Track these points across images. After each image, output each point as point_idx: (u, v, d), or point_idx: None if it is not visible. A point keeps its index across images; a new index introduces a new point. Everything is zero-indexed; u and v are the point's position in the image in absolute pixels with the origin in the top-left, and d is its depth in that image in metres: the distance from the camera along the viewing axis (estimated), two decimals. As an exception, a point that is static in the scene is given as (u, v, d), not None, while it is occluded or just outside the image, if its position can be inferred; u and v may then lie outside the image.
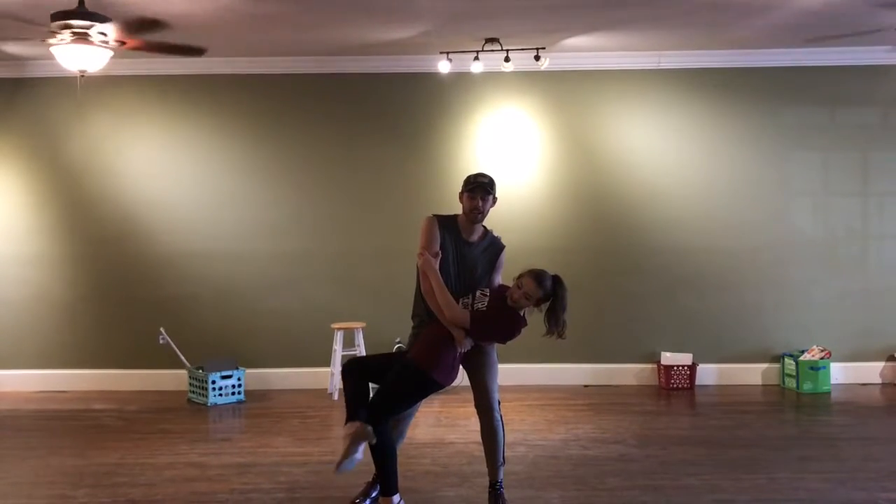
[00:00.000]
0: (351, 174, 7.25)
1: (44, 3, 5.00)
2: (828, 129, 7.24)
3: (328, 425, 6.06)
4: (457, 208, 4.26)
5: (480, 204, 4.14)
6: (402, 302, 4.42)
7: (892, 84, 7.18)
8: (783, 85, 7.18)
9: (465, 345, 4.01)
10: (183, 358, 6.97)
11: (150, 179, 7.24)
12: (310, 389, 7.08)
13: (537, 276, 3.98)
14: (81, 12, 4.80)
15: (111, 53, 5.10)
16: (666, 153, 7.23)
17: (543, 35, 6.40)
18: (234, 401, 6.75)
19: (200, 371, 6.74)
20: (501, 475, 4.20)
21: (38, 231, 7.25)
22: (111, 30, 4.84)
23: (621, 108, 7.23)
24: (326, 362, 7.02)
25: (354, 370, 4.06)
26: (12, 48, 6.64)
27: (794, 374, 6.96)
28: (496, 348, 4.24)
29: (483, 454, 4.21)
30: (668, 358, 7.13)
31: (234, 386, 6.78)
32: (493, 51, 6.58)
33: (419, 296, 4.19)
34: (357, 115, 7.24)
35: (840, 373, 7.10)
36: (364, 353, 6.69)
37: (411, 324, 4.28)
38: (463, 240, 4.20)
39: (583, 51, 6.97)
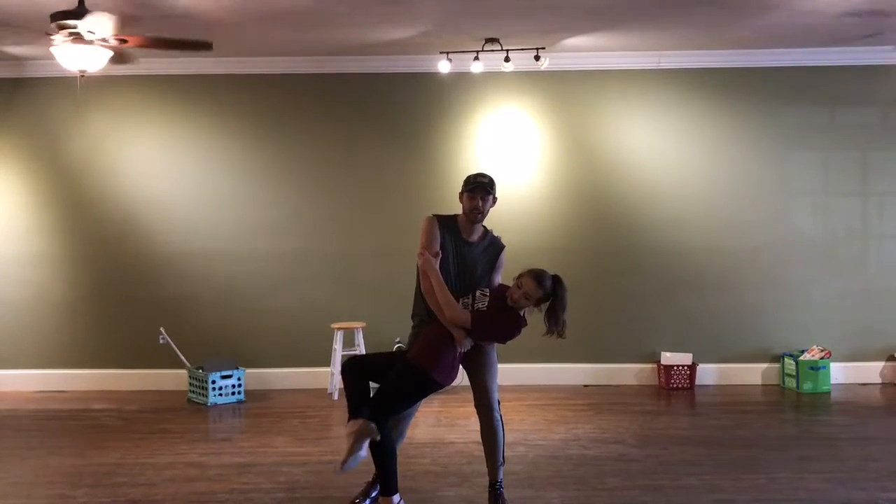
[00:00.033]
0: (351, 174, 7.25)
1: (44, 3, 5.00)
2: (828, 129, 7.24)
3: (328, 425, 6.06)
4: (457, 208, 4.26)
5: (480, 204, 4.13)
6: (402, 302, 4.42)
7: (892, 84, 7.19)
8: (783, 85, 7.19)
9: (465, 345, 4.00)
10: (183, 358, 6.97)
11: (150, 179, 7.25)
12: (310, 389, 7.08)
13: (537, 275, 3.98)
14: (81, 12, 4.79)
15: (111, 53, 5.09)
16: (666, 153, 7.23)
17: (543, 35, 6.40)
18: (234, 401, 6.75)
19: (200, 371, 6.74)
20: (501, 475, 4.20)
21: (38, 231, 7.25)
22: (109, 27, 4.81)
23: (621, 108, 7.23)
24: (326, 362, 7.02)
25: (354, 369, 4.05)
26: (12, 48, 6.64)
27: (794, 373, 6.96)
28: (496, 348, 4.24)
29: (483, 454, 4.21)
30: (668, 358, 7.13)
31: (234, 386, 6.78)
32: (493, 51, 6.58)
33: (419, 295, 4.19)
34: (357, 115, 7.24)
35: (840, 373, 7.10)
36: (363, 353, 6.69)
37: (411, 324, 4.28)
38: (463, 240, 4.20)
39: (583, 51, 6.98)
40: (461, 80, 7.05)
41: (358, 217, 7.24)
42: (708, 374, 7.23)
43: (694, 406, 6.60)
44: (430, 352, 3.98)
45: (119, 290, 7.24)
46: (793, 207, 7.31)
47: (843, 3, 5.63)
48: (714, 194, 7.22)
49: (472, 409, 4.21)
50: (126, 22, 4.88)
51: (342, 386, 4.12)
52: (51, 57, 5.23)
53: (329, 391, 6.94)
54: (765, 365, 7.26)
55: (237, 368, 6.82)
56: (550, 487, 4.54)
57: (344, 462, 3.81)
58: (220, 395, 6.70)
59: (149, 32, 5.29)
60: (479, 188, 4.14)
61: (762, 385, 7.20)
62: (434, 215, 4.23)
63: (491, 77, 7.01)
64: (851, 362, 7.19)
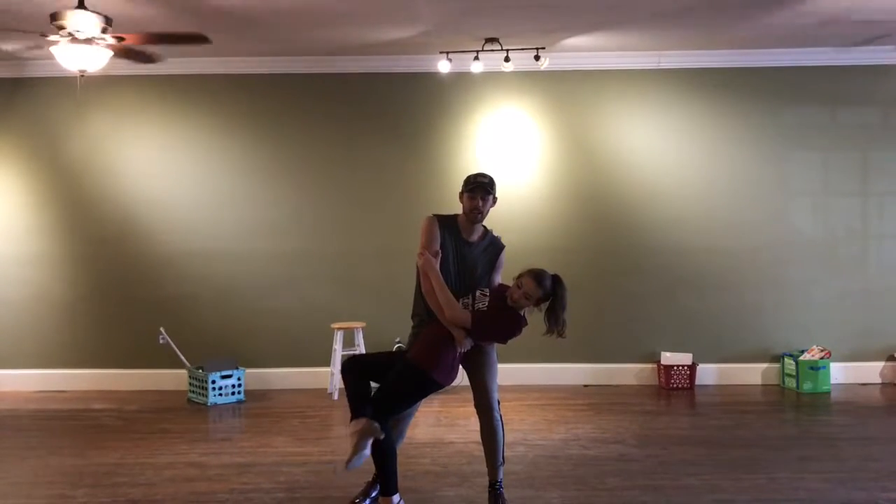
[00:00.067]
0: (351, 174, 7.25)
1: (44, 3, 5.00)
2: (828, 128, 7.24)
3: (328, 425, 6.06)
4: (457, 208, 4.26)
5: (480, 204, 4.14)
6: (402, 302, 4.42)
7: (892, 84, 7.19)
8: (783, 85, 7.19)
9: (466, 345, 4.00)
10: (183, 358, 6.97)
11: (149, 179, 7.25)
12: (310, 389, 7.08)
13: (537, 275, 3.98)
14: (78, 12, 4.79)
15: (111, 53, 5.09)
16: (666, 153, 7.23)
17: (543, 35, 6.40)
18: (234, 401, 6.75)
19: (200, 371, 6.74)
20: (501, 475, 4.20)
21: (38, 231, 7.25)
22: (97, 25, 4.80)
23: (621, 108, 7.23)
24: (326, 362, 7.02)
25: (354, 369, 4.05)
26: (12, 48, 6.64)
27: (794, 373, 6.96)
28: (496, 348, 4.24)
29: (483, 454, 4.21)
30: (668, 358, 7.13)
31: (234, 386, 6.78)
32: (493, 51, 6.58)
33: (419, 295, 4.19)
34: (357, 115, 7.24)
35: (840, 373, 7.10)
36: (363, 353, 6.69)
37: (411, 323, 4.28)
38: (463, 240, 4.20)
39: (583, 51, 6.98)
40: (461, 80, 7.05)
41: (358, 217, 7.24)
42: (708, 374, 7.23)
43: (694, 406, 6.60)
44: (430, 352, 3.98)
45: (119, 290, 7.24)
46: (793, 207, 7.31)
47: (849, 12, 5.63)
48: (714, 194, 7.22)
49: (472, 409, 4.21)
50: (130, 20, 4.87)
51: (342, 386, 4.11)
52: (51, 57, 5.23)
53: (329, 391, 6.94)
54: (765, 365, 7.26)
55: (237, 368, 6.82)
56: (550, 487, 4.54)
57: (349, 461, 3.81)
58: (220, 395, 6.70)
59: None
60: (480, 188, 4.14)
61: (762, 385, 7.20)
62: (434, 215, 4.23)
63: (491, 77, 7.01)
64: (851, 362, 7.19)
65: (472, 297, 4.06)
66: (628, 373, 7.29)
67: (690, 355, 7.12)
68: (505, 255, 4.29)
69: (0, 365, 7.22)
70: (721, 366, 7.24)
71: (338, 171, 7.25)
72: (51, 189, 7.25)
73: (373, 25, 6.12)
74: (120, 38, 4.98)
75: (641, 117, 7.23)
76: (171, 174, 7.25)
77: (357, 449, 3.80)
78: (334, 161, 7.25)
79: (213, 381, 6.67)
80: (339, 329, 6.84)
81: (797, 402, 6.67)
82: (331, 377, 6.91)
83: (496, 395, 4.16)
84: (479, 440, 4.20)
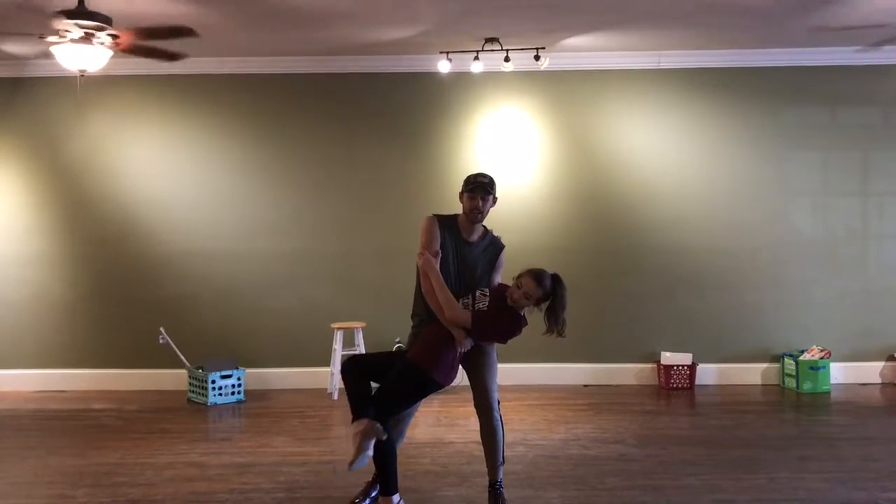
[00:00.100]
0: (351, 174, 7.25)
1: (44, 3, 5.00)
2: (828, 128, 7.24)
3: (328, 425, 6.06)
4: (457, 208, 4.26)
5: (480, 204, 4.13)
6: (402, 302, 4.42)
7: (892, 84, 7.19)
8: (783, 85, 7.19)
9: (466, 345, 4.00)
10: (183, 358, 6.97)
11: (150, 179, 7.25)
12: (309, 389, 7.08)
13: (536, 275, 3.98)
14: (81, 12, 4.80)
15: (111, 53, 5.09)
16: (666, 153, 7.23)
17: (543, 35, 6.40)
18: (234, 400, 6.75)
19: (200, 371, 6.74)
20: (501, 475, 4.20)
21: (38, 231, 7.25)
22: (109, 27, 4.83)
23: (621, 108, 7.24)
24: (326, 362, 7.02)
25: (354, 369, 4.05)
26: (12, 48, 6.64)
27: (794, 373, 6.96)
28: (496, 348, 4.24)
29: (483, 454, 4.21)
30: (668, 358, 7.13)
31: (233, 386, 6.78)
32: (493, 51, 6.58)
33: (419, 295, 4.19)
34: (357, 114, 7.25)
35: (840, 373, 7.10)
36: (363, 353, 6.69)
37: (411, 323, 4.28)
38: (463, 239, 4.20)
39: (583, 51, 6.98)
40: (461, 79, 7.05)
41: (358, 217, 7.24)
42: (708, 374, 7.23)
43: (694, 406, 6.60)
44: (430, 352, 3.98)
45: (119, 290, 7.25)
46: (793, 207, 7.31)
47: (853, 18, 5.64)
48: (714, 194, 7.23)
49: (471, 409, 4.21)
50: (131, 18, 4.88)
51: (342, 386, 4.11)
52: (51, 57, 5.24)
53: (329, 391, 6.94)
54: (765, 365, 7.26)
55: (237, 368, 6.82)
56: (550, 487, 4.53)
57: (352, 462, 3.82)
58: (220, 394, 6.70)
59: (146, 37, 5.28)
60: (480, 188, 4.14)
61: (762, 385, 7.20)
62: (434, 215, 4.23)
63: (491, 77, 7.01)
64: (851, 362, 7.19)
65: (472, 297, 4.06)
66: (628, 373, 7.29)
67: (690, 355, 7.12)
68: (505, 255, 4.29)
69: (0, 365, 7.22)
70: (721, 366, 7.25)
71: (338, 171, 7.25)
72: (51, 189, 7.25)
73: (373, 25, 6.12)
74: (115, 37, 4.98)
75: (641, 117, 7.23)
76: (171, 174, 7.25)
77: (360, 450, 3.80)
78: (334, 161, 7.25)
79: (213, 381, 6.67)
80: (338, 329, 6.84)
81: (797, 402, 6.67)
82: (331, 377, 6.91)
83: (496, 395, 4.16)
84: (479, 440, 4.20)
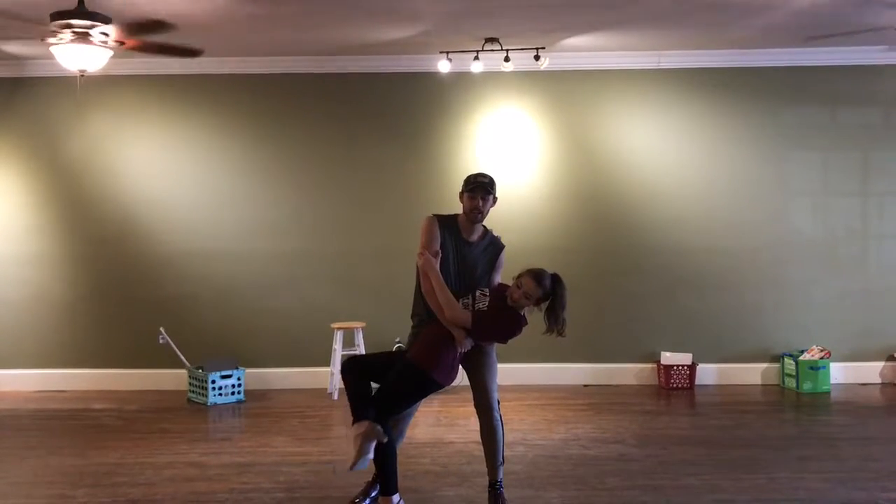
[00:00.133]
0: (351, 174, 7.25)
1: (44, 3, 5.00)
2: (828, 128, 7.24)
3: (328, 425, 6.06)
4: (457, 208, 4.26)
5: (480, 204, 4.13)
6: (402, 302, 4.42)
7: (892, 84, 7.19)
8: (783, 85, 7.19)
9: (466, 345, 4.00)
10: (183, 358, 6.97)
11: (150, 179, 7.25)
12: (309, 389, 7.08)
13: (536, 275, 3.98)
14: (81, 12, 4.80)
15: (111, 53, 5.09)
16: (666, 153, 7.23)
17: (543, 35, 6.40)
18: (234, 400, 6.75)
19: (200, 371, 6.74)
20: (501, 475, 4.20)
21: (37, 231, 7.25)
22: (111, 29, 4.83)
23: (621, 108, 7.23)
24: (326, 362, 7.02)
25: (354, 369, 4.05)
26: (12, 48, 6.64)
27: (794, 373, 6.96)
28: (496, 348, 4.24)
29: (482, 454, 4.21)
30: (668, 358, 7.13)
31: (233, 386, 6.78)
32: (492, 50, 6.58)
33: (419, 295, 4.19)
34: (357, 114, 7.24)
35: (840, 373, 7.10)
36: (363, 353, 6.68)
37: (411, 323, 4.28)
38: (463, 239, 4.20)
39: (583, 51, 6.98)
40: (461, 79, 7.05)
41: (358, 217, 7.24)
42: (708, 374, 7.22)
43: (694, 406, 6.60)
44: (430, 352, 3.98)
45: (119, 290, 7.24)
46: (792, 207, 7.31)
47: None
48: (714, 194, 7.22)
49: (471, 409, 4.21)
50: (131, 27, 4.88)
51: (342, 386, 4.11)
52: (51, 57, 5.24)
53: (329, 391, 6.94)
54: (765, 365, 7.26)
55: (237, 368, 6.82)
56: (550, 487, 4.53)
57: (353, 464, 3.82)
58: (220, 394, 6.70)
59: (148, 31, 5.28)
60: (480, 188, 4.14)
61: (762, 385, 7.20)
62: (434, 215, 4.23)
63: (491, 77, 7.01)
64: (851, 362, 7.19)
65: (472, 297, 4.06)
66: (628, 373, 7.28)
67: (690, 355, 7.12)
68: (505, 255, 4.29)
69: (0, 365, 7.22)
70: (721, 366, 7.24)
71: (338, 171, 7.25)
72: (51, 189, 7.25)
73: (373, 25, 6.12)
74: (120, 43, 4.98)
75: (641, 117, 7.23)
76: (171, 174, 7.25)
77: (361, 452, 3.80)
78: (334, 161, 7.25)
79: (213, 381, 6.67)
80: (338, 329, 6.84)
81: (797, 402, 6.67)
82: (331, 377, 6.91)
83: (496, 395, 4.16)
84: (479, 440, 4.20)
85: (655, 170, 7.22)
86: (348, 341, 6.89)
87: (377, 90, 7.23)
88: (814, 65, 7.12)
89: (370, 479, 4.28)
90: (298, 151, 7.26)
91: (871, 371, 7.24)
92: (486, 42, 6.52)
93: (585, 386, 7.19)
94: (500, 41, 6.49)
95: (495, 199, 4.22)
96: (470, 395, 4.18)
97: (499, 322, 4.02)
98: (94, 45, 4.93)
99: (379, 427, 3.83)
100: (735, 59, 7.11)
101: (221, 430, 6.04)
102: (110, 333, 7.24)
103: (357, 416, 3.89)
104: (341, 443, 5.31)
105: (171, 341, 7.02)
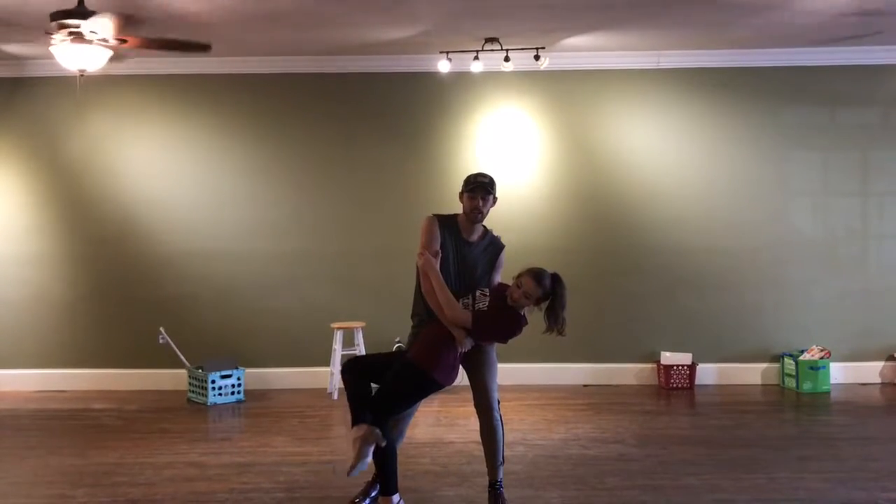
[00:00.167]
0: (351, 174, 7.25)
1: (44, 3, 5.00)
2: (828, 128, 7.24)
3: (328, 425, 6.06)
4: (457, 208, 4.26)
5: (481, 204, 4.13)
6: (402, 302, 4.42)
7: (892, 84, 7.19)
8: (783, 85, 7.19)
9: (466, 344, 4.00)
10: (183, 357, 6.97)
11: (150, 179, 7.24)
12: (309, 389, 7.08)
13: (536, 274, 3.98)
14: (81, 12, 4.79)
15: (111, 53, 5.08)
16: (666, 153, 7.23)
17: (543, 35, 6.40)
18: (234, 400, 6.75)
19: (200, 371, 6.74)
20: (501, 475, 4.20)
21: (37, 231, 7.25)
22: (109, 27, 4.81)
23: (621, 108, 7.23)
24: (326, 362, 7.02)
25: (354, 370, 4.05)
26: (12, 47, 6.64)
27: (794, 373, 6.96)
28: (496, 348, 4.24)
29: (482, 454, 4.21)
30: (667, 358, 7.13)
31: (233, 385, 6.78)
32: (492, 50, 6.58)
33: (419, 295, 4.19)
34: (357, 114, 7.24)
35: (840, 372, 7.10)
36: (363, 353, 6.69)
37: (411, 323, 4.28)
38: (463, 239, 4.20)
39: (583, 51, 6.98)
40: (461, 79, 7.05)
41: (358, 217, 7.24)
42: (708, 373, 7.22)
43: (694, 406, 6.60)
44: (431, 352, 3.98)
45: (119, 290, 7.24)
46: (792, 207, 7.31)
47: (841, 3, 5.63)
48: (714, 194, 7.22)
49: (471, 409, 4.21)
50: (127, 22, 4.87)
51: (342, 386, 4.12)
52: (51, 56, 5.23)
53: (329, 391, 6.94)
54: (765, 365, 7.26)
55: (237, 368, 6.82)
56: (550, 487, 4.53)
57: (352, 468, 3.82)
58: (220, 394, 6.70)
59: (149, 32, 5.28)
60: (480, 188, 4.14)
61: (762, 385, 7.20)
62: (434, 215, 4.23)
63: (491, 77, 7.01)
64: (851, 362, 7.19)
65: (473, 296, 4.06)
66: (628, 373, 7.28)
67: (690, 355, 7.12)
68: (505, 255, 4.29)
69: (0, 365, 7.22)
70: (721, 366, 7.24)
71: (338, 171, 7.25)
72: (51, 189, 7.25)
73: (373, 25, 6.12)
74: (122, 41, 4.97)
75: (641, 117, 7.23)
76: (171, 174, 7.25)
77: (359, 456, 3.80)
78: (334, 161, 7.25)
79: (213, 381, 6.67)
80: (338, 329, 6.84)
81: (797, 402, 6.67)
82: (330, 377, 6.91)
83: (496, 395, 4.16)
84: (479, 440, 4.20)
85: (655, 170, 7.22)
86: (348, 341, 6.90)
87: (377, 90, 7.23)
88: (814, 65, 7.12)
89: (370, 478, 4.28)
90: (298, 151, 7.26)
91: (871, 371, 7.24)
92: (486, 42, 6.52)
93: (585, 386, 7.19)
94: (500, 41, 6.49)
95: (495, 199, 4.22)
96: (470, 395, 4.18)
97: (499, 322, 4.02)
98: (95, 44, 4.92)
99: (378, 431, 3.83)
100: (735, 59, 7.11)
101: (221, 430, 6.04)
102: (110, 333, 7.24)
103: (356, 419, 3.89)
104: (341, 443, 5.31)
105: (171, 341, 7.02)
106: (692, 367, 7.08)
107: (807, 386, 6.88)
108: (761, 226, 7.21)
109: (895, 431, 5.76)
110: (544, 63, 6.63)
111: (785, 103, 7.22)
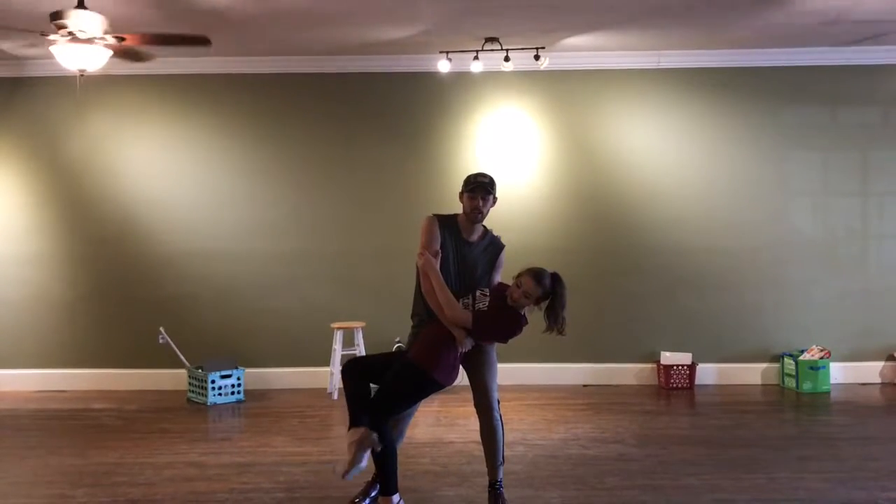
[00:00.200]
0: (350, 174, 7.25)
1: (44, 3, 5.00)
2: (828, 128, 7.24)
3: (328, 425, 6.06)
4: (457, 208, 4.26)
5: (481, 204, 4.13)
6: (402, 302, 4.42)
7: (892, 84, 7.19)
8: (783, 85, 7.19)
9: (466, 344, 4.00)
10: (182, 357, 6.97)
11: (150, 179, 7.25)
12: (309, 389, 7.08)
13: (536, 274, 3.98)
14: (80, 11, 4.79)
15: (111, 53, 5.08)
16: (666, 153, 7.23)
17: (543, 35, 6.40)
18: (234, 400, 6.75)
19: (200, 371, 6.74)
20: (501, 475, 4.20)
21: (37, 231, 7.25)
22: (98, 24, 4.80)
23: (621, 108, 7.23)
24: (326, 362, 7.02)
25: (354, 370, 4.05)
26: (11, 47, 6.64)
27: (794, 373, 6.96)
28: (496, 348, 4.24)
29: (482, 454, 4.21)
30: (667, 358, 7.12)
31: (233, 385, 6.78)
32: (492, 50, 6.58)
33: (419, 295, 4.19)
34: (357, 114, 7.25)
35: (840, 372, 7.10)
36: (364, 353, 6.69)
37: (411, 323, 4.28)
38: (463, 239, 4.20)
39: (583, 50, 6.98)
40: (461, 79, 7.05)
41: (358, 217, 7.24)
42: (708, 373, 7.22)
43: (694, 406, 6.60)
44: (431, 352, 3.98)
45: (119, 290, 7.24)
46: (792, 207, 7.31)
47: (841, 10, 5.63)
48: (714, 194, 7.22)
49: (471, 409, 4.21)
50: (129, 22, 4.87)
51: (342, 386, 4.12)
52: (51, 56, 5.23)
53: (329, 391, 6.94)
54: (764, 365, 7.26)
55: (237, 368, 6.82)
56: (550, 487, 4.53)
57: (347, 472, 3.82)
58: (220, 394, 6.70)
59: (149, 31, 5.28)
60: (480, 188, 4.14)
61: (762, 385, 7.20)
62: (434, 215, 4.23)
63: (491, 77, 7.01)
64: (851, 362, 7.19)
65: (473, 296, 4.06)
66: (628, 373, 7.28)
67: (690, 355, 7.12)
68: (505, 255, 4.29)
69: (0, 365, 7.22)
70: (721, 366, 7.24)
71: (337, 171, 7.25)
72: (51, 189, 7.25)
73: (373, 25, 6.12)
74: (121, 39, 4.97)
75: (641, 117, 7.23)
76: (171, 174, 7.25)
77: (354, 461, 3.80)
78: (334, 161, 7.25)
79: (213, 381, 6.67)
80: (338, 329, 6.84)
81: (797, 402, 6.67)
82: (330, 377, 6.91)
83: (496, 395, 4.16)
84: (479, 440, 4.20)
85: (655, 170, 7.22)
86: (348, 341, 6.90)
87: (377, 90, 7.23)
88: (814, 65, 7.12)
89: (370, 478, 4.28)
90: (298, 151, 7.26)
91: (870, 371, 7.24)
92: (486, 42, 6.52)
93: (585, 386, 7.19)
94: (500, 41, 6.49)
95: (495, 199, 4.22)
96: (470, 395, 4.18)
97: (499, 322, 4.02)
98: (94, 44, 4.92)
99: (374, 435, 3.82)
100: (735, 59, 7.11)
101: (221, 430, 6.04)
102: (110, 333, 7.24)
103: (353, 422, 3.89)
104: (341, 443, 5.28)
105: (170, 341, 7.02)
106: (692, 367, 7.08)
107: (807, 386, 6.88)
108: (761, 226, 7.21)
109: (895, 431, 5.76)
110: (544, 63, 6.63)
111: (785, 103, 7.22)
